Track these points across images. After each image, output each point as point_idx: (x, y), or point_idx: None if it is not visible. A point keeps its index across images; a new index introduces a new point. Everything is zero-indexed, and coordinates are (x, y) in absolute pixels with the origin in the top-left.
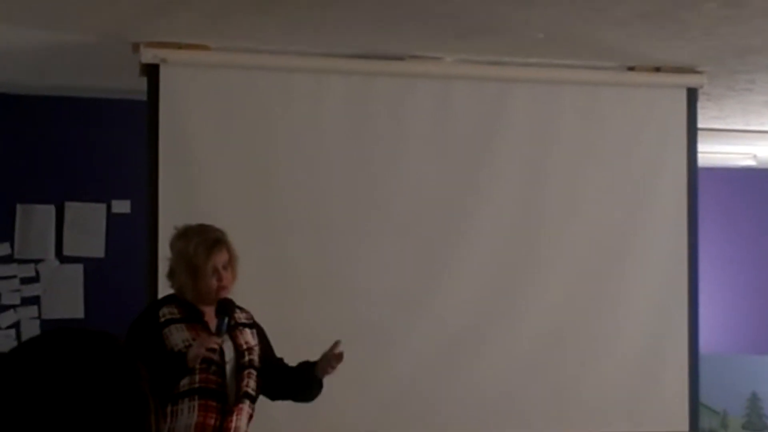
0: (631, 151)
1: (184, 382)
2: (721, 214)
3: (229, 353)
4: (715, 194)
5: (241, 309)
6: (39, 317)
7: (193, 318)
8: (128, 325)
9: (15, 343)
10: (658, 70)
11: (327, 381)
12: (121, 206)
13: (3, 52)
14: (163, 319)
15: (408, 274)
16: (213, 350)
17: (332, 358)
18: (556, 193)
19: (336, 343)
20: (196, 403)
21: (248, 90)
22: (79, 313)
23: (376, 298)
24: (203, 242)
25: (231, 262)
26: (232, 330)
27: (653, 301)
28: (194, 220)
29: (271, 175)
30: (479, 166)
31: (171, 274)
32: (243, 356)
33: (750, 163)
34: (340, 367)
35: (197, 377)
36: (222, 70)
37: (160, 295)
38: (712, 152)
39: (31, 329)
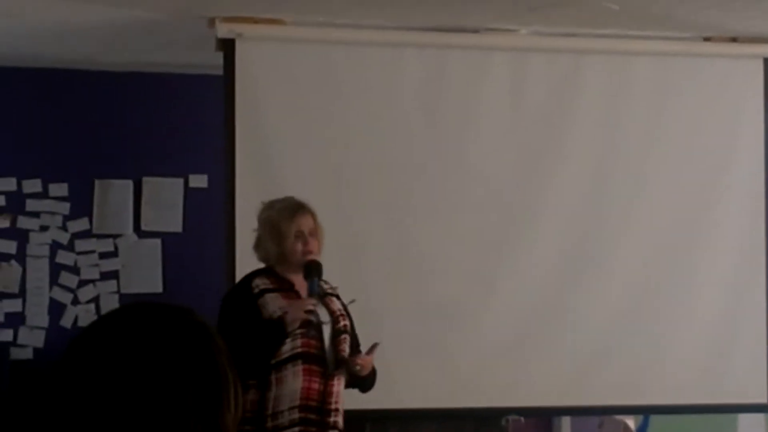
0: (707, 122)
1: (286, 348)
2: None
3: (325, 318)
4: None
5: (326, 281)
6: (118, 291)
7: (285, 287)
8: (208, 299)
9: (95, 317)
10: (734, 40)
11: (402, 357)
12: (199, 181)
13: (82, 29)
14: (257, 290)
15: (482, 250)
16: (311, 311)
17: (355, 359)
18: (629, 165)
19: (373, 346)
20: (300, 367)
21: (323, 64)
22: (158, 287)
23: (451, 274)
24: (287, 206)
25: (316, 232)
26: (324, 297)
27: (730, 272)
28: (271, 194)
29: (347, 149)
30: (553, 137)
31: (257, 245)
32: (338, 321)
33: None
34: (416, 343)
35: (299, 341)
36: (297, 44)
37: (238, 269)
38: None
39: (110, 303)
